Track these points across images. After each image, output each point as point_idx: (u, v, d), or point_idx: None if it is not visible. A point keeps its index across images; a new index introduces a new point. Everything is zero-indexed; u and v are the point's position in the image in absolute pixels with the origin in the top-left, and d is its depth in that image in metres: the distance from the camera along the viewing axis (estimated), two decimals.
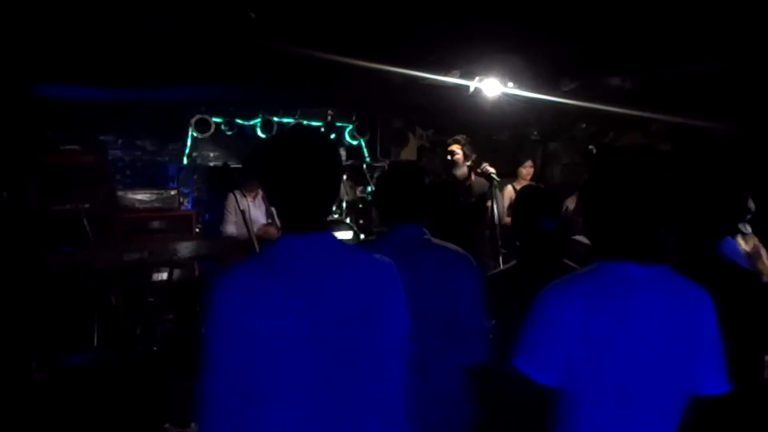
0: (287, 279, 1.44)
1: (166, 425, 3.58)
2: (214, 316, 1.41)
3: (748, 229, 3.18)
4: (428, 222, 2.28)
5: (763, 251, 3.21)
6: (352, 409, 1.46)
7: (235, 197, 4.62)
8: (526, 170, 6.15)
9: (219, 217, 5.20)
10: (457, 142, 5.02)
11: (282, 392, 1.41)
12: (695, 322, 1.50)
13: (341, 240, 1.59)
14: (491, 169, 4.78)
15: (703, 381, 1.51)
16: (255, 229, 4.80)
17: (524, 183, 5.98)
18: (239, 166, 6.23)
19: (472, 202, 4.88)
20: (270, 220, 5.21)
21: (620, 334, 1.45)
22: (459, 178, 4.97)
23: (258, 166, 1.57)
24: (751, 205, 2.99)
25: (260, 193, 5.19)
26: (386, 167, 7.12)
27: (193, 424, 3.51)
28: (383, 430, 1.51)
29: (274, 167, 1.51)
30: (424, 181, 2.25)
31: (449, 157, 5.05)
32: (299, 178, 1.48)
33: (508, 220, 4.73)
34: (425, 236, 2.21)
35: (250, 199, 5.04)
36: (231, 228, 5.00)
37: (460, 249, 2.24)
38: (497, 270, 2.67)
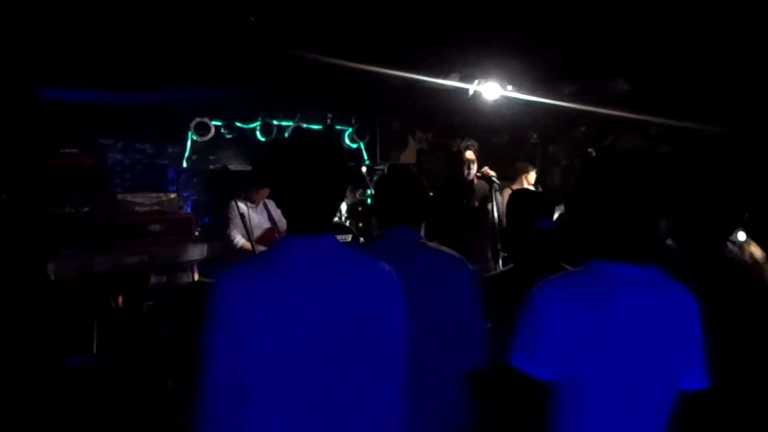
0: (288, 280, 1.44)
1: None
2: (214, 314, 1.41)
3: (742, 236, 3.14)
4: (432, 224, 2.26)
5: (760, 255, 3.17)
6: (348, 413, 1.46)
7: (236, 203, 4.62)
8: (532, 177, 6.18)
9: (221, 223, 5.18)
10: (472, 148, 4.88)
11: (278, 393, 1.41)
12: (680, 322, 1.53)
13: (343, 244, 1.60)
14: (492, 173, 4.78)
15: (685, 377, 1.54)
16: (257, 234, 4.81)
17: (524, 187, 5.99)
18: (239, 169, 6.23)
19: (476, 205, 4.87)
20: (271, 226, 5.21)
21: (608, 330, 1.47)
22: (466, 181, 4.93)
23: (266, 167, 1.58)
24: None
25: (263, 200, 5.20)
26: (385, 170, 7.13)
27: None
28: None
29: (282, 168, 1.53)
30: (421, 185, 2.24)
31: (469, 166, 4.81)
32: (306, 180, 1.50)
33: None
34: (421, 240, 2.20)
35: (251, 204, 5.04)
36: (238, 235, 4.95)
37: (455, 252, 2.23)
38: (493, 273, 2.67)
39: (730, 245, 2.94)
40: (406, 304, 1.58)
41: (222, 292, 1.42)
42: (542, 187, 6.68)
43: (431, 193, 2.45)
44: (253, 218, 4.91)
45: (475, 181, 4.91)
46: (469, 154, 4.81)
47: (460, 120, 6.51)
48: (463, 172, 4.83)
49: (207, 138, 6.61)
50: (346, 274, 1.51)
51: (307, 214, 1.51)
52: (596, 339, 1.47)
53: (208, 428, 1.41)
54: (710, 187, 1.95)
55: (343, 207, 7.01)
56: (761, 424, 1.85)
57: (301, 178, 1.50)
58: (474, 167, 4.84)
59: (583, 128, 7.50)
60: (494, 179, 4.74)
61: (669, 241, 2.03)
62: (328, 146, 1.56)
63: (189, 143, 6.75)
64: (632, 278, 1.51)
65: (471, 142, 4.85)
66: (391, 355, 1.54)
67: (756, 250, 3.15)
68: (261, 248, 4.29)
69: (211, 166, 6.97)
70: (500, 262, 4.62)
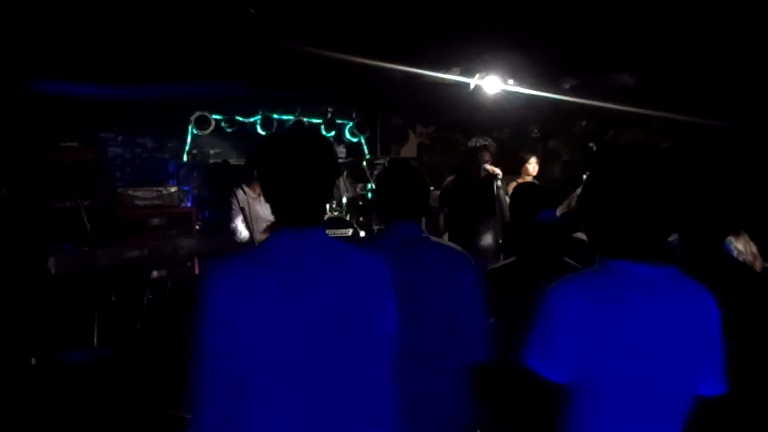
0: (278, 273, 1.45)
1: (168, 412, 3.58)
2: (206, 308, 1.41)
3: None
4: (442, 216, 2.26)
5: (754, 248, 3.18)
6: (338, 405, 1.47)
7: (236, 194, 4.61)
8: (532, 166, 6.15)
9: (222, 216, 5.18)
10: (490, 149, 5.02)
11: (272, 385, 1.41)
12: (700, 324, 1.49)
13: (333, 237, 1.60)
14: (496, 170, 4.87)
15: (703, 382, 1.51)
16: (262, 226, 4.80)
17: (528, 179, 5.99)
18: (239, 163, 6.23)
19: (482, 199, 4.95)
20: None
21: (627, 332, 1.44)
22: (478, 179, 5.04)
23: (255, 162, 1.58)
24: None
25: None
26: (385, 164, 7.14)
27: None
28: (370, 426, 1.52)
29: (269, 163, 1.53)
30: (423, 179, 2.24)
31: (483, 166, 4.99)
32: (293, 174, 1.50)
33: None
34: (423, 234, 2.20)
35: (255, 195, 5.04)
36: (241, 226, 4.95)
37: (458, 247, 2.23)
38: (495, 265, 2.65)
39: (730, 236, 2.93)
40: (411, 299, 1.58)
41: (214, 286, 1.42)
42: (542, 182, 6.68)
43: (432, 188, 2.45)
44: (257, 209, 4.91)
45: (481, 176, 5.00)
46: (486, 156, 4.95)
47: (461, 114, 6.51)
48: (476, 170, 4.95)
49: (207, 132, 6.62)
50: (336, 267, 1.52)
51: (294, 208, 1.52)
52: (612, 340, 1.44)
53: (204, 421, 1.41)
54: (710, 185, 1.94)
55: (344, 201, 7.01)
56: (760, 425, 1.85)
57: (287, 173, 1.50)
58: (488, 167, 4.98)
59: (584, 123, 7.49)
60: (499, 175, 4.83)
61: (673, 237, 2.02)
62: (314, 141, 1.56)
63: (189, 137, 6.75)
64: (649, 278, 1.47)
65: (489, 142, 4.99)
66: (381, 346, 1.54)
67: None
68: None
69: (212, 160, 6.97)
70: (501, 256, 4.65)
